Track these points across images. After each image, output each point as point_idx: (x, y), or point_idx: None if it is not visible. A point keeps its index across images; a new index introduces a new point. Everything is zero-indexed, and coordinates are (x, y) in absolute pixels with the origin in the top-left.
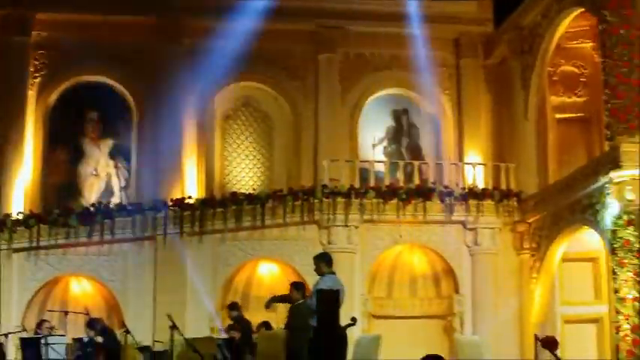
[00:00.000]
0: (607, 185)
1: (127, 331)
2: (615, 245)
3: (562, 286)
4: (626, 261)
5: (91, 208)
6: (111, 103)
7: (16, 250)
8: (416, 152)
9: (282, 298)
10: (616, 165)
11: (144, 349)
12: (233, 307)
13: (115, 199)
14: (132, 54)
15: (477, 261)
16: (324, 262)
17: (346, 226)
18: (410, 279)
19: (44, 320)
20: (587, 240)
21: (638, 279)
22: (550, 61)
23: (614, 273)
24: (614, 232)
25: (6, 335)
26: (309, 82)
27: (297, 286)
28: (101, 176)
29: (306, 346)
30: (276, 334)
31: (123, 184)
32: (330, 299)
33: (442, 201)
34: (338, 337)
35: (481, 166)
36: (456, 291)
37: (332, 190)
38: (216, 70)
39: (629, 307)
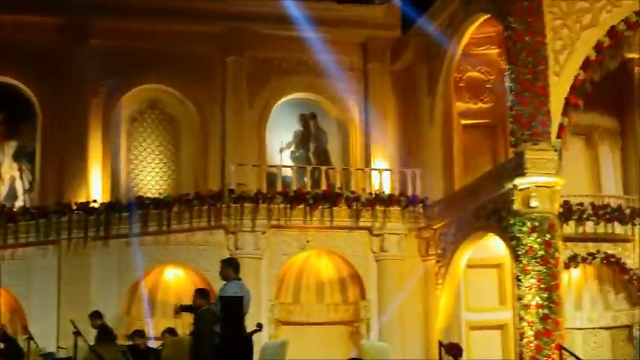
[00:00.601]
0: (511, 192)
1: (30, 337)
2: (519, 252)
3: (467, 292)
4: (529, 268)
5: None
6: (15, 104)
7: None
8: (323, 157)
9: (189, 308)
10: (520, 172)
11: (47, 356)
12: (94, 316)
13: (19, 203)
14: (37, 54)
15: (383, 267)
16: (230, 267)
17: (253, 231)
18: (317, 285)
19: None
20: (492, 246)
21: (541, 286)
22: (456, 67)
23: (518, 280)
24: (518, 238)
25: None
26: (217, 85)
27: (201, 292)
28: (4, 179)
29: (211, 352)
30: (181, 340)
31: (27, 187)
32: (234, 306)
33: (349, 207)
34: (243, 343)
35: (388, 171)
36: (363, 297)
37: (239, 195)
38: (122, 72)
39: (532, 314)
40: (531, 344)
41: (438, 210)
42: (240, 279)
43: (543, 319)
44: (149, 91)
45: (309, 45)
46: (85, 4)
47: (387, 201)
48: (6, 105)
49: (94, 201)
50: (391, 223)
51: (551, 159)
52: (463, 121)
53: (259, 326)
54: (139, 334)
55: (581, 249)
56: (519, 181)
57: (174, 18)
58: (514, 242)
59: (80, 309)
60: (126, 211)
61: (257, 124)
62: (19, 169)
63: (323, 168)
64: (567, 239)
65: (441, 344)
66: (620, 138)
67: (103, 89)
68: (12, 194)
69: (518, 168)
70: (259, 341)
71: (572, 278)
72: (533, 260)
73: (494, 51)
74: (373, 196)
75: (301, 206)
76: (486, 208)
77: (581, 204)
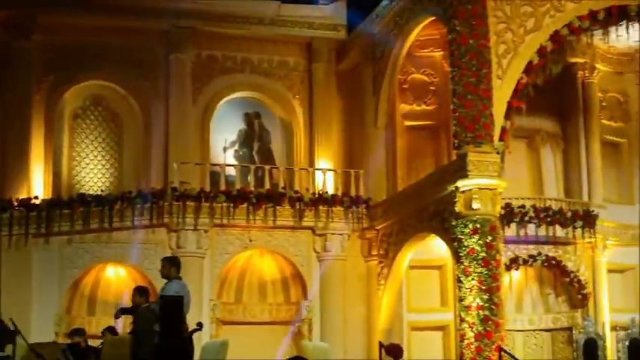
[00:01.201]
0: (454, 194)
1: None
2: (461, 254)
3: (409, 293)
4: (471, 269)
5: None
6: None
7: None
8: (267, 156)
9: (129, 310)
10: (463, 174)
11: None
12: None
13: None
14: None
15: (326, 267)
16: (172, 266)
17: (196, 229)
18: (259, 284)
19: None
20: (434, 248)
21: (482, 287)
22: (401, 68)
23: (460, 281)
24: (459, 240)
25: None
26: (160, 82)
27: (140, 290)
28: None
29: (151, 351)
30: (121, 339)
31: None
32: (175, 305)
33: (292, 206)
34: (183, 342)
35: (331, 172)
36: (305, 297)
37: (182, 193)
38: (65, 68)
39: (473, 316)
40: (472, 345)
41: (381, 211)
42: (181, 278)
43: (484, 320)
44: (92, 87)
45: (254, 44)
46: None
47: (330, 201)
48: None
49: (36, 197)
50: (334, 223)
51: (493, 161)
52: (407, 123)
53: (200, 325)
54: (79, 332)
55: (523, 251)
56: (461, 183)
57: (118, 14)
58: (456, 244)
59: (20, 306)
60: (67, 208)
61: (201, 123)
62: None
63: (267, 167)
64: (509, 241)
65: (381, 345)
66: (562, 141)
67: (45, 85)
68: None
69: (460, 170)
70: (200, 341)
71: (513, 280)
72: (475, 262)
73: (438, 53)
74: (316, 196)
75: (244, 205)
76: (429, 209)
77: (523, 206)
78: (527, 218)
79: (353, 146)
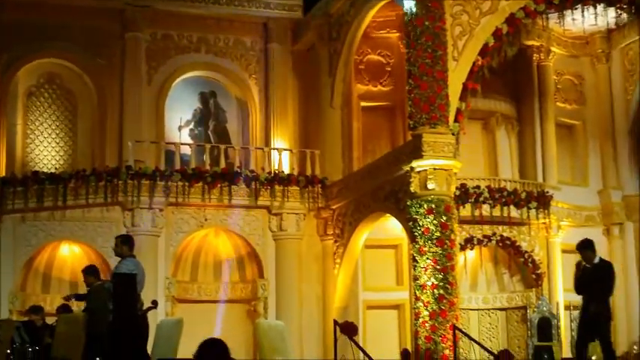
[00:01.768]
0: (409, 174)
1: None
2: (416, 233)
3: (364, 272)
4: (426, 249)
5: None
6: None
7: None
8: (223, 136)
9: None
10: (418, 154)
11: None
12: None
13: None
14: None
15: (282, 246)
16: (125, 244)
17: (151, 208)
18: (215, 263)
19: None
20: (390, 227)
21: (437, 267)
22: (357, 49)
23: (415, 260)
24: (414, 220)
25: None
26: (116, 60)
27: (89, 270)
28: None
29: (105, 329)
30: (75, 317)
31: None
32: (128, 283)
33: (248, 185)
34: (137, 320)
35: (287, 151)
36: (260, 276)
37: (136, 172)
38: (19, 46)
39: (428, 294)
40: (427, 324)
41: (336, 190)
42: (134, 256)
43: (438, 299)
44: (47, 65)
45: (210, 23)
46: None
47: (286, 180)
48: None
49: None
50: (290, 202)
51: (448, 142)
52: (363, 104)
53: (154, 303)
54: (36, 310)
55: (478, 231)
56: (417, 164)
57: None
58: (411, 223)
59: None
60: (21, 186)
61: (156, 101)
62: None
63: (222, 146)
64: (464, 221)
65: (336, 323)
66: (517, 123)
67: None
68: None
69: (415, 151)
70: (155, 319)
71: (468, 260)
72: (430, 241)
73: (394, 35)
74: (272, 175)
75: (200, 184)
76: (384, 189)
77: (478, 187)
78: (482, 199)
79: (309, 126)
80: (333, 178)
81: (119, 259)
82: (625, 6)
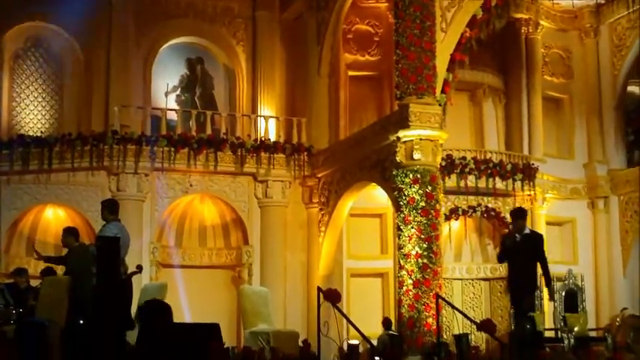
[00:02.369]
0: (395, 144)
1: None
2: (401, 203)
3: (349, 240)
4: (410, 218)
5: None
6: None
7: None
8: (209, 102)
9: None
10: (404, 124)
11: None
12: None
13: None
14: None
15: (267, 213)
16: (110, 208)
17: (136, 173)
18: (199, 229)
19: None
20: (375, 196)
21: (421, 236)
22: (345, 18)
23: (399, 229)
24: (400, 189)
25: None
26: (103, 25)
27: (70, 231)
28: None
29: (89, 292)
30: (59, 280)
31: None
32: (111, 246)
33: (234, 152)
34: (121, 284)
35: (274, 119)
36: (245, 242)
37: (122, 137)
38: (5, 8)
39: (412, 263)
40: (410, 293)
41: (322, 159)
42: (119, 220)
43: (422, 268)
44: (34, 28)
45: None
46: None
47: (272, 148)
48: None
49: None
50: (276, 170)
51: (434, 113)
52: (350, 73)
53: (139, 268)
54: (21, 272)
55: (463, 202)
56: (403, 134)
57: None
58: (396, 193)
59: None
60: (6, 149)
61: (143, 66)
62: None
63: (208, 113)
64: (449, 192)
65: (319, 290)
66: (505, 96)
67: None
68: None
69: (402, 121)
70: (140, 283)
71: (452, 230)
72: (414, 211)
73: (383, 4)
74: (258, 142)
75: (185, 150)
76: (370, 158)
77: (464, 158)
78: (467, 170)
79: (296, 94)
80: (319, 146)
81: (104, 223)
82: None
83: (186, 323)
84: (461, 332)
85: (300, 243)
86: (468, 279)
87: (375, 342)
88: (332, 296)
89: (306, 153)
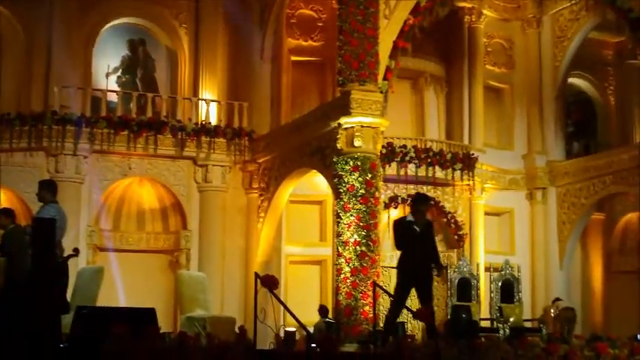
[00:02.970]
0: (336, 130)
1: None
2: (341, 190)
3: (288, 227)
4: (350, 206)
5: None
6: None
7: None
8: (151, 84)
9: None
10: (346, 111)
11: None
12: None
13: None
14: None
15: (206, 198)
16: (48, 190)
17: (75, 155)
18: (138, 213)
19: None
20: (315, 183)
21: (360, 224)
22: (289, 3)
23: (338, 217)
24: (340, 177)
25: None
26: (44, 4)
27: (5, 212)
28: None
29: (24, 274)
30: None
31: None
32: (47, 228)
33: (174, 136)
34: (57, 266)
35: (215, 103)
36: (184, 227)
37: (62, 117)
38: None
39: (350, 251)
40: (348, 280)
41: (263, 144)
42: (57, 202)
43: (360, 256)
44: None
45: None
46: None
47: (212, 132)
48: None
49: None
50: (216, 154)
51: (376, 100)
52: (293, 58)
53: (76, 251)
54: None
55: (402, 190)
56: (344, 120)
57: None
58: (336, 180)
59: None
60: None
61: (84, 47)
62: None
63: (149, 95)
64: (389, 180)
65: (257, 276)
66: (446, 85)
67: None
68: None
69: (343, 107)
70: (76, 266)
71: (391, 218)
72: (354, 198)
73: None
74: (199, 126)
75: (125, 132)
76: (311, 145)
77: (404, 146)
78: (407, 158)
79: (238, 78)
80: (260, 131)
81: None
82: None
83: (121, 307)
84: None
85: (239, 229)
86: None
87: (311, 329)
88: (269, 282)
89: (247, 138)
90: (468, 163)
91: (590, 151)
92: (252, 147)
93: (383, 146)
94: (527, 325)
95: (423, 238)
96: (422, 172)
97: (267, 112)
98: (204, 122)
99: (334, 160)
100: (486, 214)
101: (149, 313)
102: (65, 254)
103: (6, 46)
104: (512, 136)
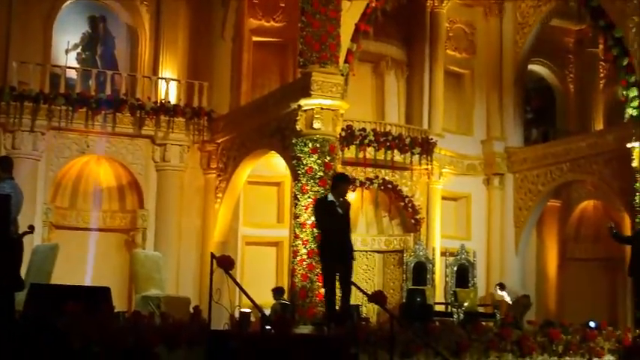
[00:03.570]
0: (296, 112)
1: None
2: (299, 172)
3: (246, 208)
4: (308, 188)
5: None
6: None
7: None
8: (110, 62)
9: None
10: (306, 93)
11: None
12: None
13: None
14: None
15: (164, 177)
16: (3, 166)
17: (32, 131)
18: (95, 191)
19: None
20: (274, 165)
21: None
22: None
23: (296, 199)
24: (298, 158)
25: None
26: None
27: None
28: None
29: None
30: None
31: None
32: (2, 204)
33: (133, 114)
34: (11, 244)
35: (175, 81)
36: (141, 206)
37: (20, 94)
38: None
39: (307, 233)
40: (304, 262)
41: (222, 124)
42: (13, 179)
43: (317, 238)
44: None
45: None
46: None
47: (172, 111)
48: None
49: None
50: (174, 133)
51: (336, 83)
52: (255, 38)
53: (31, 228)
54: None
55: (360, 173)
56: (304, 102)
57: None
58: (294, 162)
59: None
60: None
61: (44, 22)
62: None
63: (109, 73)
64: (347, 163)
65: (213, 256)
66: (407, 69)
67: None
68: None
69: (304, 89)
70: (31, 244)
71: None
72: (312, 180)
73: None
74: (158, 105)
75: (84, 110)
76: (270, 126)
77: (364, 130)
78: (366, 141)
79: (198, 58)
80: (220, 111)
81: None
82: None
83: (76, 285)
84: (352, 304)
85: (196, 209)
86: (362, 251)
87: (267, 311)
88: (225, 263)
89: (206, 117)
90: (426, 147)
91: (549, 138)
92: (211, 127)
93: (342, 129)
94: (481, 310)
95: (344, 216)
96: (380, 155)
97: (227, 92)
98: (163, 101)
99: (293, 141)
100: (444, 198)
101: (103, 292)
102: (20, 231)
103: None
104: (471, 121)
